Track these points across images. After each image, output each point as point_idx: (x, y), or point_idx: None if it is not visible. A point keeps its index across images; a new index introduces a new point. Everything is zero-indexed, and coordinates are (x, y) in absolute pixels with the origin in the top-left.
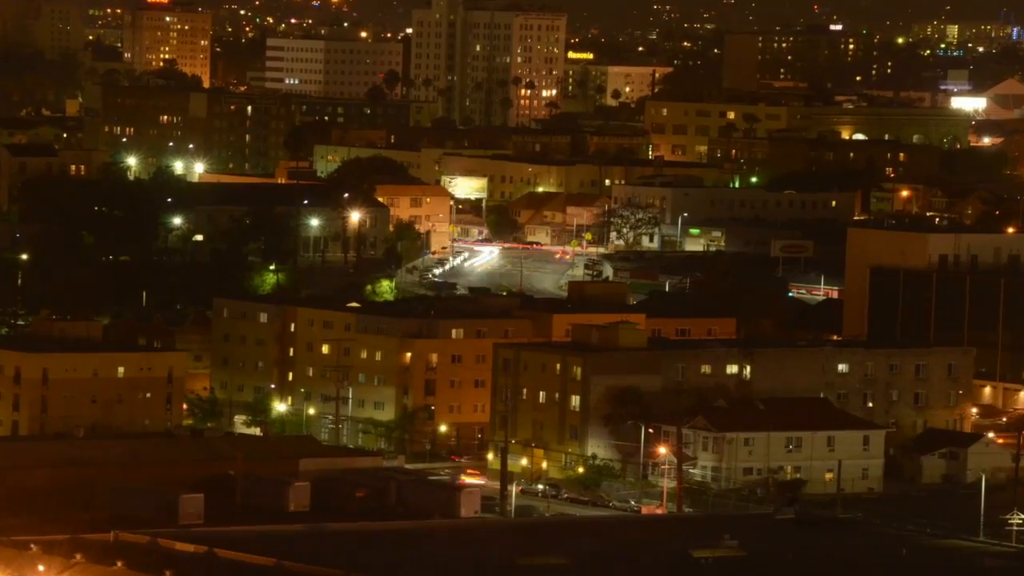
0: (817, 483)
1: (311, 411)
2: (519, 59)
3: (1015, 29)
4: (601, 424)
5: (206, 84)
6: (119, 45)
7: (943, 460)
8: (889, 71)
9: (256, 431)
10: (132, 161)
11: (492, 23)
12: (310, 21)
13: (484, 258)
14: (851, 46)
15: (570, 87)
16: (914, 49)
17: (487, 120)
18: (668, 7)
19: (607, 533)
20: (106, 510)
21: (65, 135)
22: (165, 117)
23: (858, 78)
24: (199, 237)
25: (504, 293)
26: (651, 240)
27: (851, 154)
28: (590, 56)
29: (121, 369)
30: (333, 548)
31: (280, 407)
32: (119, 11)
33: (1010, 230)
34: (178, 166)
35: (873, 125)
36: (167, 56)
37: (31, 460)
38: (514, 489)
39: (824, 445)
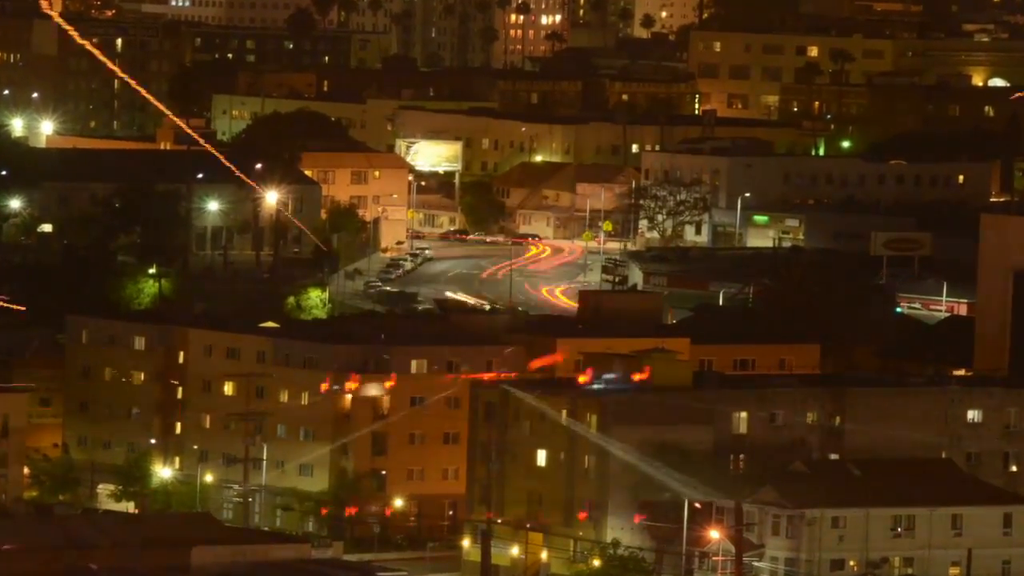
0: None
1: (208, 478)
2: None
3: None
4: (626, 497)
5: (56, 8)
6: None
7: None
8: None
9: (129, 507)
10: None
11: None
12: None
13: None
14: None
15: (582, 12)
16: None
17: (462, 59)
18: None
19: None
20: None
21: None
22: None
23: None
24: (47, 227)
25: (487, 307)
26: (698, 232)
27: (986, 107)
28: None
29: None
30: None
31: (164, 472)
32: None
33: None
34: (17, 125)
35: (1017, 66)
36: None
37: None
38: None
39: (947, 527)
